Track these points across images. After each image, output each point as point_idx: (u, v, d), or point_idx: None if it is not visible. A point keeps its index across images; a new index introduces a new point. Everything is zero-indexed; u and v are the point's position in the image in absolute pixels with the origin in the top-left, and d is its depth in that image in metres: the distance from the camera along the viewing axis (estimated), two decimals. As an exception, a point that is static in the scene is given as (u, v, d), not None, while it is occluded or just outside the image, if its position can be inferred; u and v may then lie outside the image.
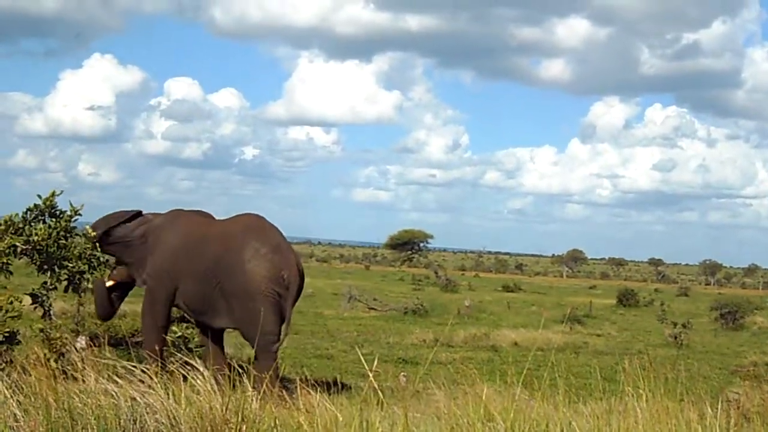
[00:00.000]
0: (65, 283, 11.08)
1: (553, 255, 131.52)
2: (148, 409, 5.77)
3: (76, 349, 8.13)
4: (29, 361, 6.71)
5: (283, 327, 11.58)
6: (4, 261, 10.17)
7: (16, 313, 9.62)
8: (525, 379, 6.55)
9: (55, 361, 8.11)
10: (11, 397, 5.75)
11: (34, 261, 10.67)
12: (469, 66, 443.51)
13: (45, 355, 7.53)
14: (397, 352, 20.00)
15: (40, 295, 10.82)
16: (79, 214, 10.99)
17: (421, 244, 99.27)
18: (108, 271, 11.95)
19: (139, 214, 12.81)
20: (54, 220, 10.77)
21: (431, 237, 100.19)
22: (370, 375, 5.90)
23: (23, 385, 6.00)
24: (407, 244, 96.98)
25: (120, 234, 12.53)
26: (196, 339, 12.34)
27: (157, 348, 11.65)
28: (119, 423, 5.64)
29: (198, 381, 6.06)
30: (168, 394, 5.91)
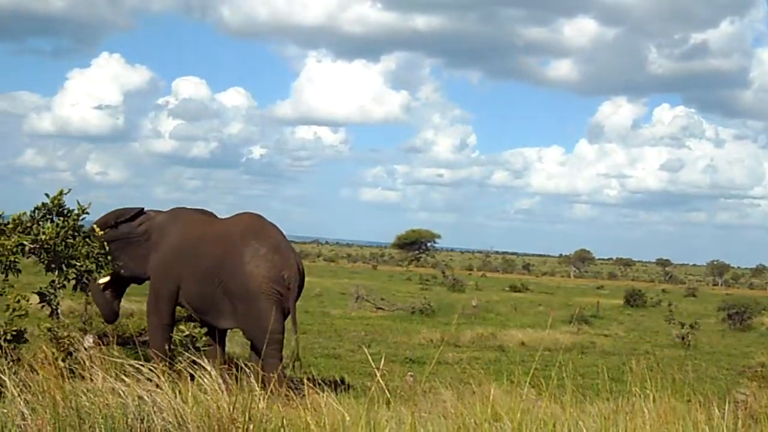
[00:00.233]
0: (73, 282, 11.10)
1: (561, 255, 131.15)
2: (155, 407, 5.77)
3: (83, 347, 8.14)
4: (37, 359, 6.71)
5: (290, 327, 11.59)
6: (12, 260, 10.19)
7: (23, 312, 9.63)
8: (532, 379, 6.54)
9: (63, 359, 8.11)
10: (19, 395, 5.75)
11: (42, 260, 10.69)
12: (476, 66, 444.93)
13: (53, 353, 7.54)
14: (404, 351, 19.97)
15: (47, 293, 10.83)
16: (87, 213, 11.00)
17: (429, 244, 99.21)
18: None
19: (141, 211, 12.82)
20: (62, 219, 10.79)
21: (438, 237, 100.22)
22: (378, 374, 5.90)
23: (31, 384, 6.01)
24: (414, 244, 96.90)
25: (123, 231, 12.54)
26: (203, 338, 12.34)
27: (163, 347, 11.67)
28: (126, 422, 5.65)
29: (205, 380, 6.06)
30: (175, 393, 5.91)
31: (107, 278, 12.24)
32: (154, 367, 6.25)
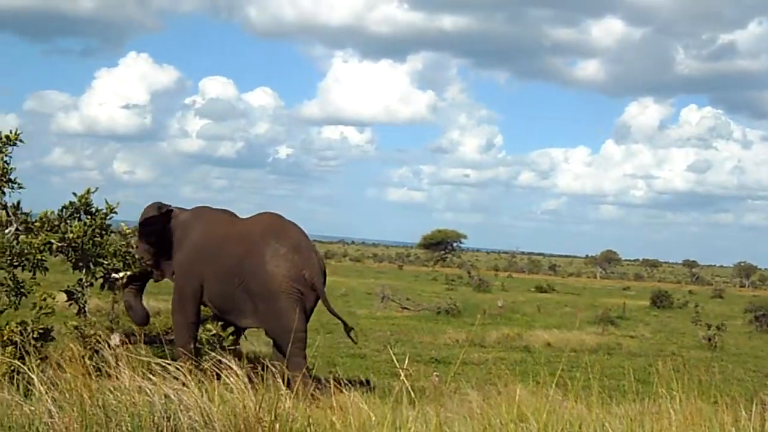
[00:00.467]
0: (101, 280, 11.16)
1: (587, 256, 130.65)
2: (181, 406, 5.79)
3: (110, 346, 8.17)
4: (64, 357, 6.74)
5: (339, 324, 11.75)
6: (40, 258, 10.26)
7: (50, 310, 9.70)
8: (558, 380, 6.52)
9: (90, 358, 8.15)
10: (46, 393, 5.79)
11: (70, 258, 10.76)
12: (503, 66, 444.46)
13: (79, 352, 7.57)
14: (430, 351, 19.97)
15: (75, 292, 10.91)
16: (115, 212, 11.08)
17: (455, 244, 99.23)
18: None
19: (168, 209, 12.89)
20: (89, 217, 10.86)
21: (464, 237, 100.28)
22: (403, 374, 5.89)
23: (58, 382, 6.04)
24: (440, 244, 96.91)
25: (150, 229, 12.61)
26: (230, 338, 12.36)
27: (189, 345, 11.72)
28: (153, 420, 5.67)
29: (231, 379, 6.08)
30: (202, 392, 5.93)
31: (128, 272, 12.33)
32: (181, 366, 6.27)
